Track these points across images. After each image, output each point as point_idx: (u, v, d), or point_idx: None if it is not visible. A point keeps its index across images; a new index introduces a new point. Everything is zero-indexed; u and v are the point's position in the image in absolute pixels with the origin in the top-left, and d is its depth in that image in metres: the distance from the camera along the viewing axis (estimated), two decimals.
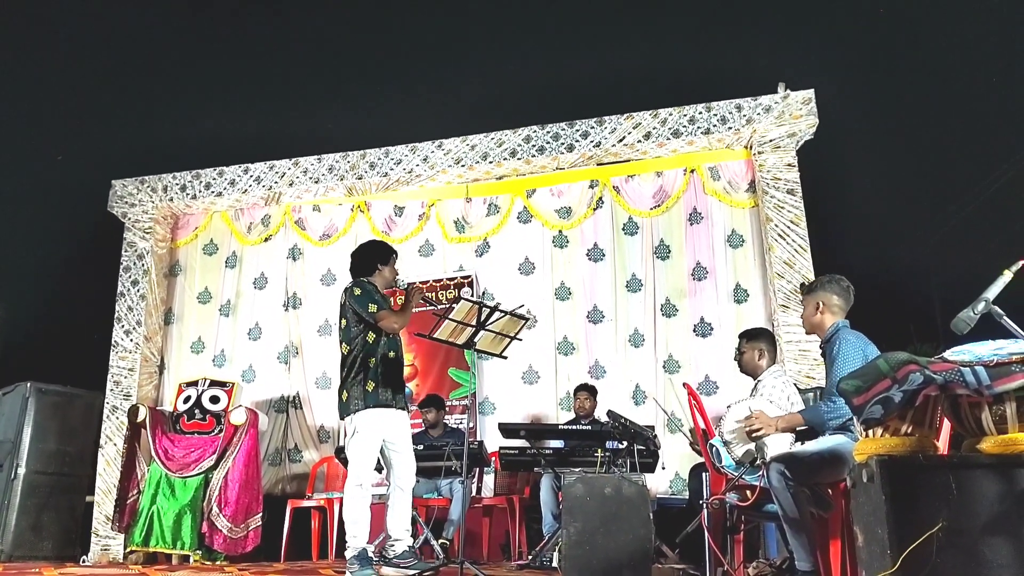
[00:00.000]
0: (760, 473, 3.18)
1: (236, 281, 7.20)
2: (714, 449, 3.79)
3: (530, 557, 4.86)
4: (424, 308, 4.67)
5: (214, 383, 6.23)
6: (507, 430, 5.02)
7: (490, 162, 6.50)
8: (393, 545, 3.89)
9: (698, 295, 6.16)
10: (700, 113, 6.15)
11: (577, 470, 4.65)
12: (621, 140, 6.25)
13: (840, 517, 2.94)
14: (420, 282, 4.14)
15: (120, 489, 5.91)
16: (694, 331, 6.10)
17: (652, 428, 5.50)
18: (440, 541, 5.04)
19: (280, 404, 6.76)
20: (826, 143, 6.24)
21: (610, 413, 4.15)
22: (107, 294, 7.21)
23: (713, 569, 3.57)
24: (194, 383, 6.26)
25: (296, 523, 5.80)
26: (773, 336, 4.12)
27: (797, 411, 3.39)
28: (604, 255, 6.43)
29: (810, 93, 5.96)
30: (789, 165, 5.95)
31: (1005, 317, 1.99)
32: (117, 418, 6.65)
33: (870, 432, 2.22)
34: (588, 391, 5.71)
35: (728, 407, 3.45)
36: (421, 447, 5.03)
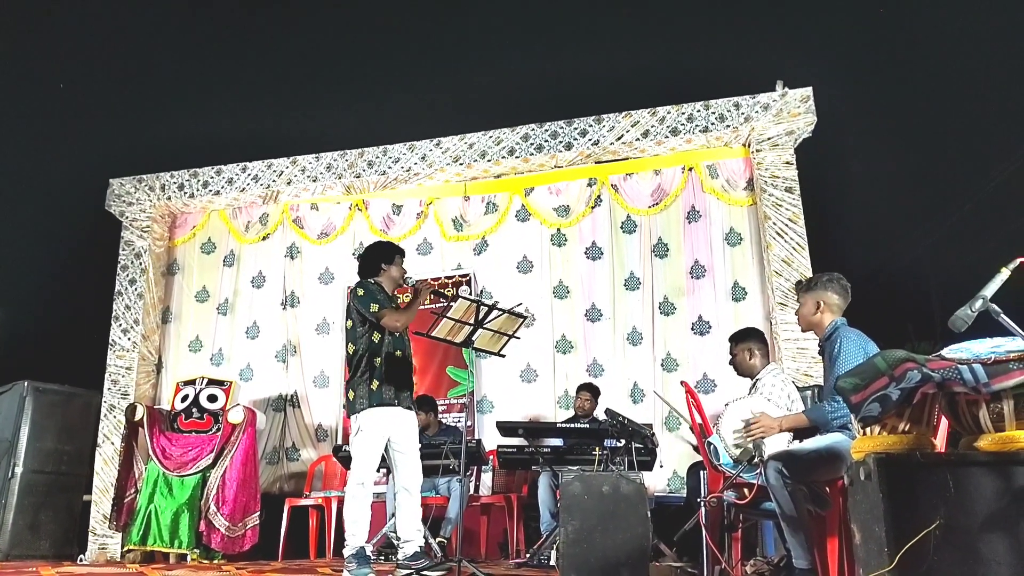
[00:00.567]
0: (758, 471, 3.18)
1: (234, 280, 7.19)
2: (712, 447, 3.79)
3: (528, 555, 4.86)
4: (439, 304, 4.63)
5: (212, 382, 6.23)
6: (505, 428, 5.02)
7: (488, 160, 6.50)
8: (403, 547, 3.88)
9: (696, 293, 6.16)
10: (698, 111, 6.15)
11: (575, 468, 4.64)
12: (619, 138, 6.24)
13: (838, 515, 2.94)
14: (419, 280, 4.11)
15: (118, 488, 5.90)
16: (692, 329, 6.11)
17: (650, 426, 5.51)
18: (438, 539, 5.04)
19: (278, 403, 6.76)
20: (824, 141, 6.25)
21: (608, 411, 4.15)
22: (104, 293, 7.21)
23: (711, 567, 3.57)
24: (192, 382, 6.26)
25: (294, 522, 5.81)
26: (762, 334, 4.12)
27: (801, 411, 3.38)
28: (602, 253, 6.43)
29: (808, 91, 5.96)
30: (787, 163, 5.95)
31: (1003, 315, 1.98)
32: (115, 417, 6.64)
33: (867, 430, 2.22)
34: (590, 391, 5.70)
35: (726, 405, 3.44)
36: (419, 446, 5.02)
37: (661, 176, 6.46)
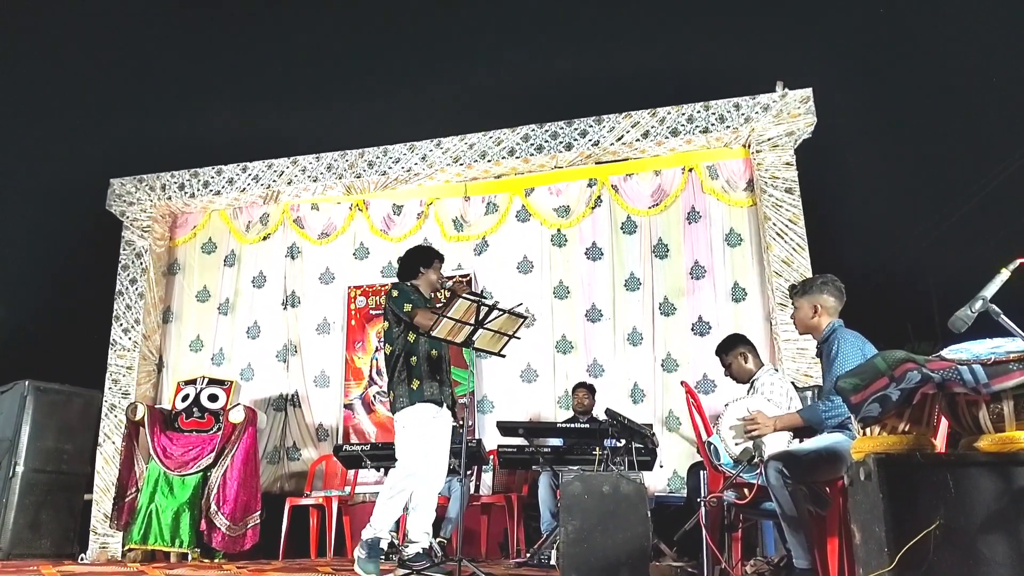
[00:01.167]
0: (758, 471, 3.19)
1: (235, 280, 7.20)
2: (712, 447, 3.80)
3: (528, 555, 4.87)
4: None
5: (212, 381, 6.23)
6: (505, 428, 5.02)
7: (488, 161, 6.50)
8: (407, 546, 3.89)
9: (696, 294, 6.17)
10: (698, 112, 6.16)
11: (575, 468, 4.66)
12: (619, 139, 6.25)
13: (838, 515, 2.94)
14: (456, 283, 4.14)
15: (118, 487, 5.90)
16: (692, 330, 6.11)
17: (650, 426, 5.51)
18: (438, 539, 5.04)
19: (279, 402, 6.76)
20: (824, 142, 6.27)
21: (608, 411, 4.15)
22: (105, 292, 7.21)
23: (711, 567, 3.58)
24: (193, 381, 6.26)
25: (294, 521, 5.80)
26: (745, 337, 4.15)
27: (795, 410, 3.39)
28: (602, 254, 6.43)
29: (808, 92, 5.96)
30: (787, 164, 5.95)
31: (1003, 315, 1.99)
32: (115, 416, 6.65)
33: (867, 430, 2.22)
34: (586, 388, 5.73)
35: (726, 405, 3.45)
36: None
37: (661, 177, 6.46)
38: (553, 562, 4.36)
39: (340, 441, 6.37)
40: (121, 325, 6.97)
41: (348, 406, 6.59)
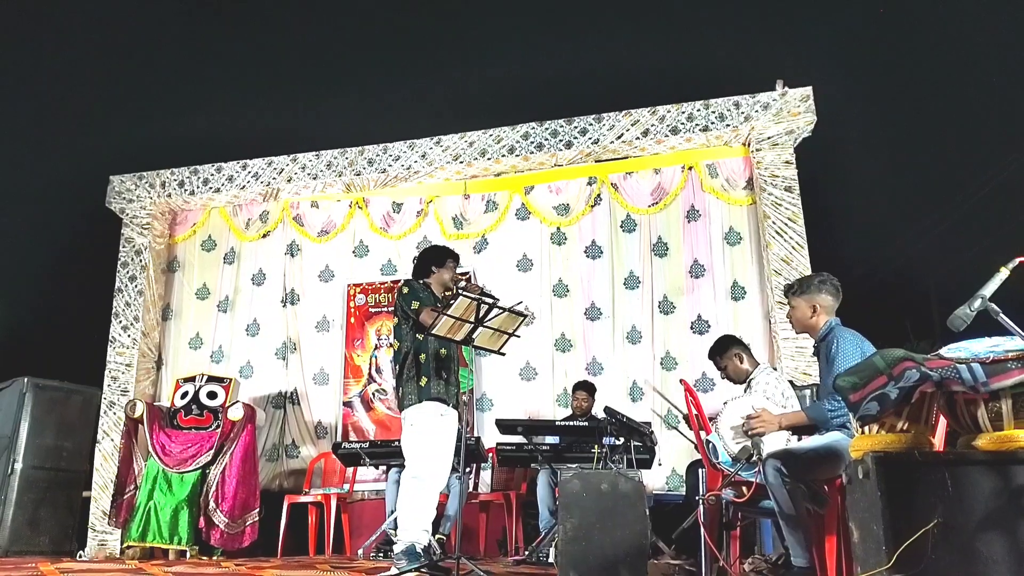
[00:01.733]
0: (756, 469, 3.19)
1: (234, 277, 7.20)
2: (711, 445, 3.80)
3: (527, 553, 4.86)
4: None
5: (212, 379, 6.23)
6: (504, 426, 5.02)
7: (488, 159, 6.50)
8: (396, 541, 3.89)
9: (695, 292, 6.17)
10: (698, 110, 6.15)
11: (574, 466, 4.65)
12: (619, 137, 6.25)
13: (836, 513, 2.94)
14: (467, 283, 4.13)
15: (117, 484, 5.91)
16: (691, 328, 6.11)
17: (649, 424, 5.51)
18: (437, 537, 5.04)
19: (278, 400, 6.77)
20: (824, 141, 6.26)
21: (607, 409, 4.15)
22: (105, 290, 7.21)
23: (709, 565, 3.58)
24: (192, 379, 6.26)
25: (293, 519, 5.81)
26: (737, 338, 4.16)
27: (801, 409, 3.39)
28: (602, 252, 6.43)
29: (808, 90, 5.96)
30: (787, 162, 5.95)
31: (1001, 314, 1.99)
32: (114, 413, 6.65)
33: (866, 429, 2.22)
34: (586, 390, 5.66)
35: (725, 403, 3.45)
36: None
37: (661, 175, 6.46)
38: (551, 560, 4.36)
39: (339, 439, 6.37)
40: (120, 322, 6.97)
41: (347, 404, 6.59)
